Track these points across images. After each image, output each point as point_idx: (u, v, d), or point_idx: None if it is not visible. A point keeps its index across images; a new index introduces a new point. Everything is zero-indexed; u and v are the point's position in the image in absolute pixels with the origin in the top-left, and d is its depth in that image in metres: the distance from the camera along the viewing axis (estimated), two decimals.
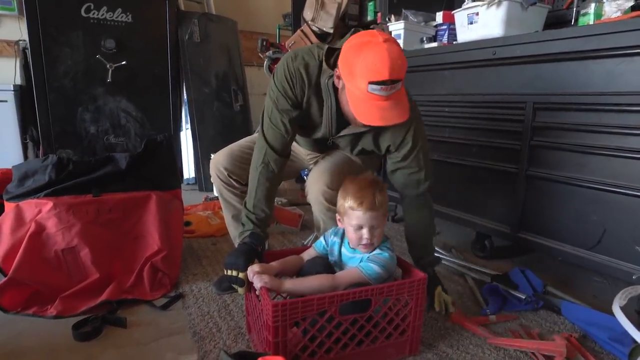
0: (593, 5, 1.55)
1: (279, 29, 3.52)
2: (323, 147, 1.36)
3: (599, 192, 1.38)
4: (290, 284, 1.03)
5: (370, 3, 2.46)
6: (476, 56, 1.74)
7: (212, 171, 1.41)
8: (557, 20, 1.88)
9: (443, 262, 1.74)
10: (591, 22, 1.51)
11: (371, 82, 0.95)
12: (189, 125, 3.04)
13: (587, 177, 1.41)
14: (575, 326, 1.27)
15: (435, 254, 1.38)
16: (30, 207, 1.36)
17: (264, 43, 2.80)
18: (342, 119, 1.18)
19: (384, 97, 0.98)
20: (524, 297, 1.36)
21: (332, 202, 1.22)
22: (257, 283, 1.00)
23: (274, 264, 1.11)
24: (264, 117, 1.23)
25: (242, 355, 0.88)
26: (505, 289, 1.40)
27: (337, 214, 1.13)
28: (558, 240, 1.52)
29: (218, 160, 1.40)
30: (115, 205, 1.47)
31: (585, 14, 1.59)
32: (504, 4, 1.63)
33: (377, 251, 1.09)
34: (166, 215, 1.56)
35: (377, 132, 1.21)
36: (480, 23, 1.75)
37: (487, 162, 1.78)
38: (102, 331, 1.19)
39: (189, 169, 3.14)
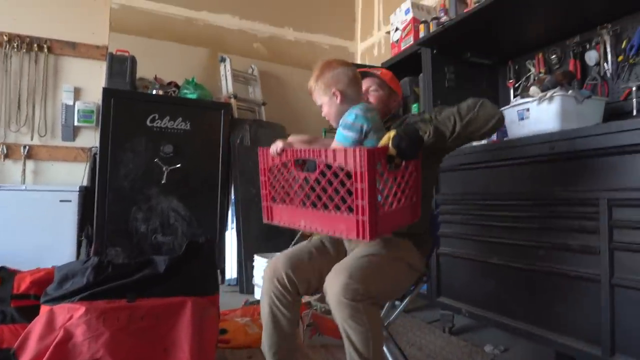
0: None
1: (325, 132, 3.68)
2: None
3: None
4: (295, 140, 1.26)
5: (414, 105, 2.51)
6: (532, 152, 1.64)
7: (267, 276, 1.28)
8: (615, 112, 1.79)
9: None
10: None
11: None
12: (234, 225, 3.06)
13: None
14: None
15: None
16: (63, 312, 1.30)
17: None
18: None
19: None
20: None
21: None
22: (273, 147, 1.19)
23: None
24: None
25: None
26: None
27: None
28: None
29: (277, 264, 1.28)
30: (148, 311, 1.38)
31: None
32: (557, 99, 1.58)
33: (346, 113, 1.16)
34: (200, 324, 1.43)
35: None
36: (532, 119, 1.69)
37: (559, 266, 1.55)
38: None
39: (231, 270, 3.06)
